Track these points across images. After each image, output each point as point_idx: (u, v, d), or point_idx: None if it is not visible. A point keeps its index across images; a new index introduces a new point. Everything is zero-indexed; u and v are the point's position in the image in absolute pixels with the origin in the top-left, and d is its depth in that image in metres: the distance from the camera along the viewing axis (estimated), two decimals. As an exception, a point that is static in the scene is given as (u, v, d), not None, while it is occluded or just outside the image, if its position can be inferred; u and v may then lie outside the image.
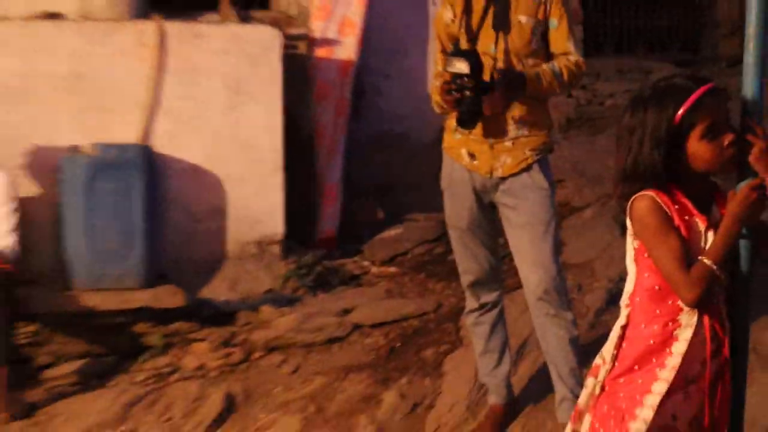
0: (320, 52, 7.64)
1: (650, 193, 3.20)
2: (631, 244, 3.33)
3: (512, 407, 5.34)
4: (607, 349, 3.38)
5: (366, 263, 7.45)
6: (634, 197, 3.24)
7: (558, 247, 4.98)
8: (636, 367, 3.28)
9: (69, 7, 7.18)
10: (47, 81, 6.84)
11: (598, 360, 3.41)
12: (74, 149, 6.67)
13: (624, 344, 3.34)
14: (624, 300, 3.37)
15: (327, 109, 7.66)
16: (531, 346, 5.74)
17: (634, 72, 9.69)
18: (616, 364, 3.33)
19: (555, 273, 4.90)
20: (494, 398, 5.31)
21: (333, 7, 7.65)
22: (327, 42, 7.64)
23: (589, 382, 3.41)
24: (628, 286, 3.37)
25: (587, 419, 3.38)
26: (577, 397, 4.90)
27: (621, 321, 3.35)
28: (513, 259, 5.12)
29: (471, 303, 5.24)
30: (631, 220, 3.27)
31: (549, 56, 4.88)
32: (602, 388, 3.35)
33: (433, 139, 7.71)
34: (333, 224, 7.67)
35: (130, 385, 6.03)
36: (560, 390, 5.05)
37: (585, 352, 5.75)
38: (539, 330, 5.03)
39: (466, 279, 5.20)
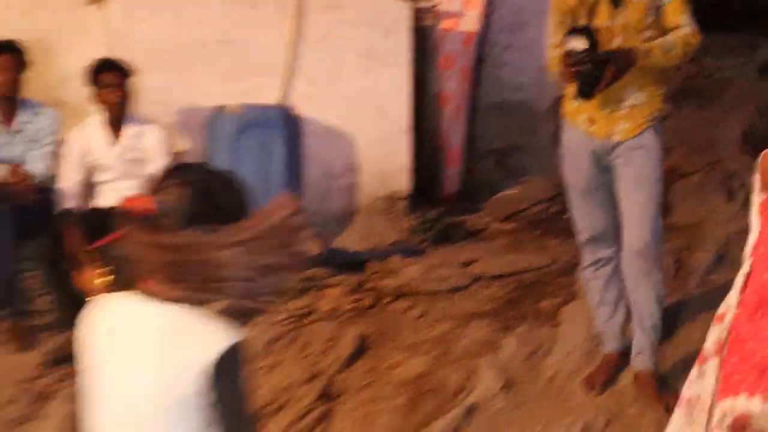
0: (446, 24, 7.61)
1: None
2: (757, 197, 3.30)
3: (626, 355, 5.29)
4: (732, 296, 3.36)
5: (486, 219, 7.42)
6: (764, 152, 3.22)
7: (660, 208, 4.95)
8: (759, 314, 3.25)
9: (216, -20, 7.27)
10: (198, 48, 6.92)
11: (722, 308, 3.39)
12: (221, 109, 6.77)
13: (747, 290, 3.32)
14: (748, 250, 3.35)
15: (451, 76, 7.64)
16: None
17: (740, 48, 9.47)
18: (740, 309, 3.31)
19: (655, 231, 4.89)
20: (609, 346, 5.31)
21: (458, -18, 7.64)
22: (452, 15, 7.61)
23: (715, 329, 3.39)
24: (752, 238, 3.34)
25: (714, 361, 3.35)
26: (653, 350, 4.96)
27: (745, 269, 3.33)
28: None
29: (587, 258, 5.24)
30: (760, 173, 3.24)
31: (664, 29, 4.81)
32: (728, 334, 3.32)
33: (549, 106, 7.69)
34: (456, 183, 7.67)
35: (272, 324, 6.07)
36: (640, 341, 5.07)
37: (693, 308, 5.77)
38: (630, 284, 5.03)
39: (582, 236, 5.19)
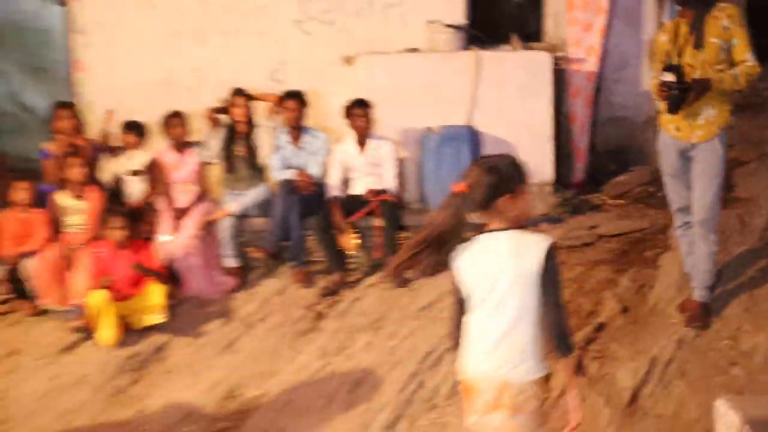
0: (573, 67, 7.45)
1: None
2: None
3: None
4: None
5: (604, 197, 7.26)
6: None
7: (719, 192, 4.80)
8: None
9: (422, 44, 7.29)
10: (413, 89, 6.97)
11: None
12: (429, 129, 6.82)
13: None
14: None
15: (578, 102, 7.48)
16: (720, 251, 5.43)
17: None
18: None
19: (711, 208, 4.78)
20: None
21: (581, 38, 7.45)
22: (578, 61, 7.45)
23: None
24: None
25: None
26: (705, 287, 4.89)
27: None
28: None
29: (677, 221, 5.12)
30: None
31: (733, 63, 4.67)
32: None
33: (645, 120, 7.46)
34: (583, 173, 7.50)
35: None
36: (696, 280, 4.96)
37: (754, 254, 5.54)
38: (696, 242, 4.91)
39: (674, 206, 5.07)
